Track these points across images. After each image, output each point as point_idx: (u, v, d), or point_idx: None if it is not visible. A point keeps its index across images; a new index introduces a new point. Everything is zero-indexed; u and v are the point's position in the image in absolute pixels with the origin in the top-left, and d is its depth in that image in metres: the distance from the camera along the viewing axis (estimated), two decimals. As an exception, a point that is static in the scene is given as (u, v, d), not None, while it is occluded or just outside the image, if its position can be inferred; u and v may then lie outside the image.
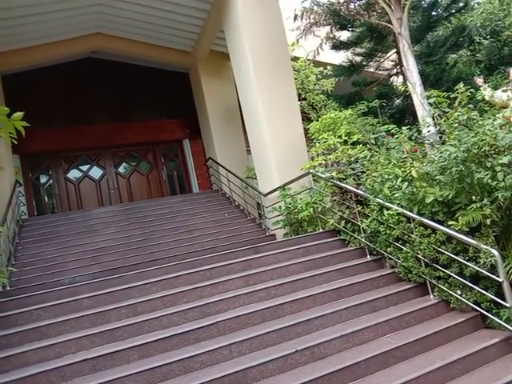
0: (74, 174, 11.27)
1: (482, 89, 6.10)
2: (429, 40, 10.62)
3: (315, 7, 8.75)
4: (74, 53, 10.10)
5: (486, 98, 5.61)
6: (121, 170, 11.80)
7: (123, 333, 3.98)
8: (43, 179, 11.05)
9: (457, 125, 4.27)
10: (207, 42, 9.78)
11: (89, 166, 11.45)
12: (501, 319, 3.86)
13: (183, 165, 12.31)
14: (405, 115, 10.25)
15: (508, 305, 3.73)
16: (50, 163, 10.98)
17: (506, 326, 3.79)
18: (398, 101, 10.79)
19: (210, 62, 10.37)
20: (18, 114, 3.02)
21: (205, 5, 8.62)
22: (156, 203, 9.19)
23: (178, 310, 4.28)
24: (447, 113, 4.54)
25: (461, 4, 10.42)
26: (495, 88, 6.46)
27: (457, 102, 4.50)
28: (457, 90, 4.64)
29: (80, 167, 11.36)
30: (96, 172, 11.49)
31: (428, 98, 4.73)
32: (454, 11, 10.53)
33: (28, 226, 8.03)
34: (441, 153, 4.12)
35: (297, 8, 8.84)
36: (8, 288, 5.51)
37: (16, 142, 3.37)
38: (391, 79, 11.41)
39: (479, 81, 6.29)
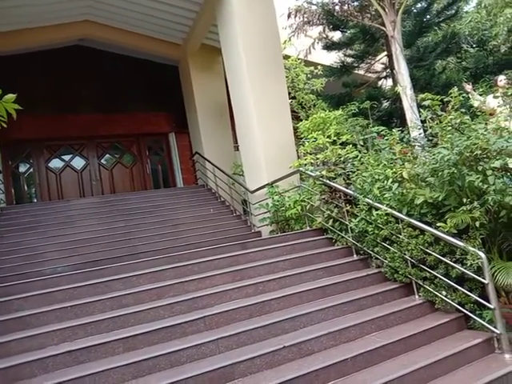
0: (55, 163, 11.02)
1: (470, 95, 6.22)
2: (419, 45, 10.78)
3: (308, 6, 8.75)
4: (61, 39, 9.85)
5: (475, 104, 5.71)
6: (104, 161, 11.59)
7: (108, 325, 3.90)
8: (23, 167, 10.77)
9: (450, 128, 4.34)
10: (199, 35, 9.68)
11: (71, 155, 11.22)
12: (484, 320, 3.94)
13: (168, 159, 12.18)
14: (392, 118, 10.38)
15: (492, 306, 3.80)
16: (32, 151, 10.71)
17: (489, 326, 3.86)
18: (385, 104, 10.91)
19: (201, 55, 10.26)
20: (11, 96, 2.91)
21: (198, -3, 8.53)
22: (139, 196, 9.07)
23: (165, 303, 4.21)
24: (440, 116, 4.61)
25: (452, 11, 10.62)
26: (481, 95, 6.58)
27: (450, 106, 4.57)
28: (450, 94, 4.71)
29: (62, 157, 11.12)
30: (78, 162, 11.26)
31: (422, 100, 4.79)
32: (444, 18, 10.71)
33: (7, 214, 7.81)
34: (433, 155, 4.17)
35: (290, 6, 8.84)
36: (-14, 277, 5.33)
37: (6, 126, 3.25)
38: (380, 82, 11.54)
39: (468, 87, 6.41)
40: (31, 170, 10.74)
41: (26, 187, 10.74)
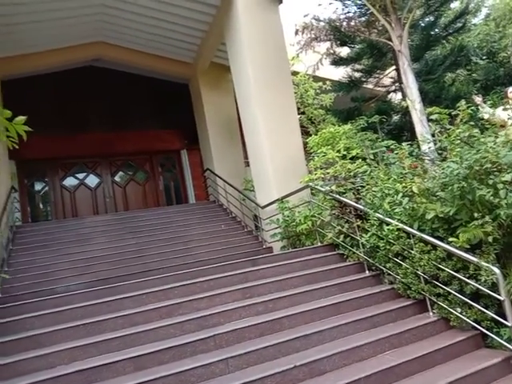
0: (69, 181, 11.23)
1: (480, 107, 6.18)
2: (427, 58, 10.79)
3: (315, 23, 8.87)
4: (75, 60, 10.13)
5: (485, 116, 5.66)
6: (117, 178, 11.76)
7: (119, 343, 3.90)
8: (39, 186, 11.00)
9: (458, 141, 4.30)
10: (208, 53, 9.85)
11: (85, 173, 11.42)
12: (501, 338, 3.82)
13: (180, 175, 12.30)
14: (402, 132, 10.34)
15: (509, 324, 3.69)
16: (47, 170, 10.93)
17: (507, 345, 3.75)
18: (395, 117, 10.89)
19: (211, 73, 10.43)
20: (21, 118, 2.99)
21: (207, 17, 8.71)
22: (152, 213, 9.13)
23: (175, 321, 4.21)
24: (448, 129, 4.58)
25: (459, 24, 10.64)
26: (493, 107, 6.53)
27: (458, 119, 4.54)
28: (458, 107, 4.69)
29: (76, 175, 11.32)
30: (92, 180, 11.45)
31: (430, 114, 4.77)
32: (452, 31, 10.74)
33: (22, 232, 7.94)
34: (443, 169, 4.13)
35: (297, 23, 8.97)
36: (0, 295, 5.40)
37: (17, 147, 3.33)
38: (389, 96, 11.54)
39: (478, 99, 6.37)
40: (46, 188, 10.95)
41: (41, 205, 10.93)
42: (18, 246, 7.25)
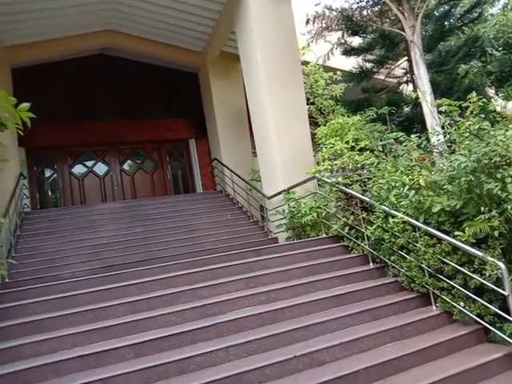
0: (78, 169, 11.29)
1: (493, 100, 6.03)
2: (440, 49, 10.56)
3: (327, 12, 8.74)
4: (85, 48, 10.13)
5: (498, 109, 5.54)
6: (125, 167, 11.81)
7: (120, 330, 3.94)
8: (48, 173, 11.09)
9: (468, 134, 4.22)
10: (218, 42, 9.77)
11: (94, 161, 11.48)
12: (504, 334, 3.78)
13: (188, 164, 12.31)
14: (413, 123, 10.17)
15: (513, 319, 3.65)
16: (56, 157, 11.01)
17: (510, 340, 3.71)
18: (406, 109, 10.72)
19: (220, 62, 10.36)
20: (25, 105, 3.01)
21: (217, 5, 8.62)
22: (159, 202, 9.17)
23: (177, 309, 4.24)
24: (458, 122, 4.49)
25: (475, 14, 10.38)
26: (506, 99, 6.38)
27: (468, 112, 4.44)
28: (468, 99, 4.58)
29: (85, 162, 11.39)
30: (101, 168, 11.51)
31: (439, 106, 4.67)
32: (467, 21, 10.48)
33: (30, 218, 8.03)
34: (450, 162, 4.06)
35: (309, 12, 8.85)
36: (7, 280, 5.48)
37: (22, 134, 3.35)
38: (401, 87, 11.36)
39: (491, 92, 6.23)
40: (55, 175, 11.04)
41: (50, 192, 11.03)
42: (26, 231, 7.34)
